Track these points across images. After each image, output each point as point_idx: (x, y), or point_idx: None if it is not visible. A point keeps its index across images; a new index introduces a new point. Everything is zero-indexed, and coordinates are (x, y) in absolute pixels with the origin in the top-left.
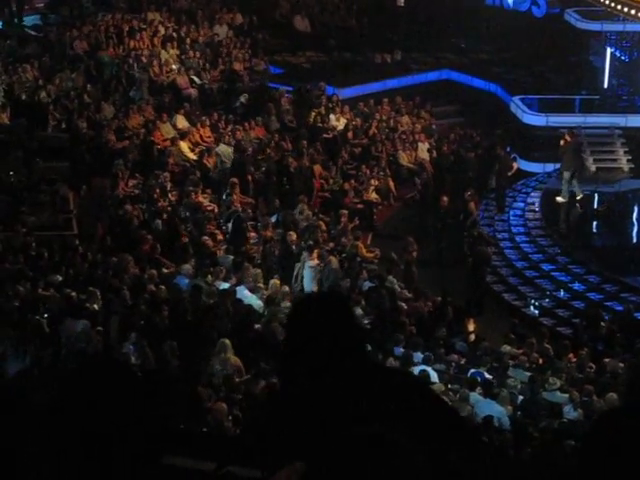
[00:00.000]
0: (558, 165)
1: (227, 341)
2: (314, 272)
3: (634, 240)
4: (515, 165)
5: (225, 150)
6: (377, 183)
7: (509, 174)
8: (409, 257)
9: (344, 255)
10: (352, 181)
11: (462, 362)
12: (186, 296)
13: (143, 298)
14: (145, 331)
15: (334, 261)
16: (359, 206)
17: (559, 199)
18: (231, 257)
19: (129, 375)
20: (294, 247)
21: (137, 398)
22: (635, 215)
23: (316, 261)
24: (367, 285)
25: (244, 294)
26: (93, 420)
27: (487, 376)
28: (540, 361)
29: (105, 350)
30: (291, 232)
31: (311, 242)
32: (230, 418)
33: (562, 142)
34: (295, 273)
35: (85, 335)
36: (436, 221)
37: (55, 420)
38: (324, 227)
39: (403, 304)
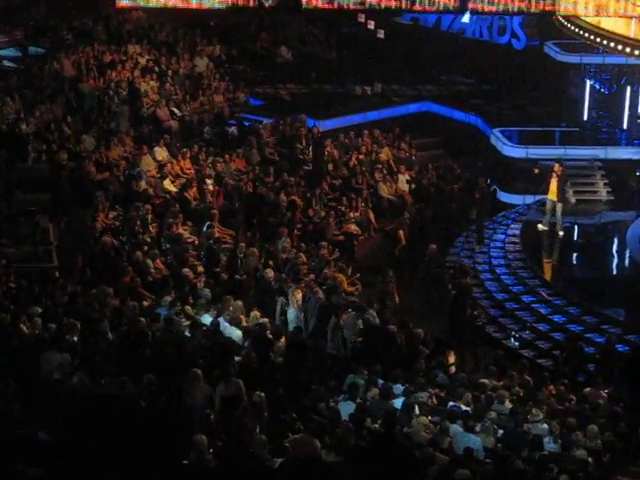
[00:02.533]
0: (539, 197)
1: (198, 371)
2: (299, 305)
3: (614, 272)
4: None
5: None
6: (356, 215)
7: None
8: (387, 288)
9: (325, 287)
10: (332, 212)
11: (442, 394)
12: (163, 328)
13: (121, 330)
14: (126, 364)
15: (320, 293)
16: (340, 238)
17: (540, 227)
18: (207, 290)
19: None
20: (273, 283)
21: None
22: (615, 247)
23: (300, 294)
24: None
25: (224, 326)
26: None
27: (465, 408)
28: (521, 393)
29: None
30: (268, 270)
31: (292, 275)
32: (211, 450)
33: (555, 176)
34: (279, 307)
35: (64, 368)
36: (424, 272)
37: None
38: (305, 259)
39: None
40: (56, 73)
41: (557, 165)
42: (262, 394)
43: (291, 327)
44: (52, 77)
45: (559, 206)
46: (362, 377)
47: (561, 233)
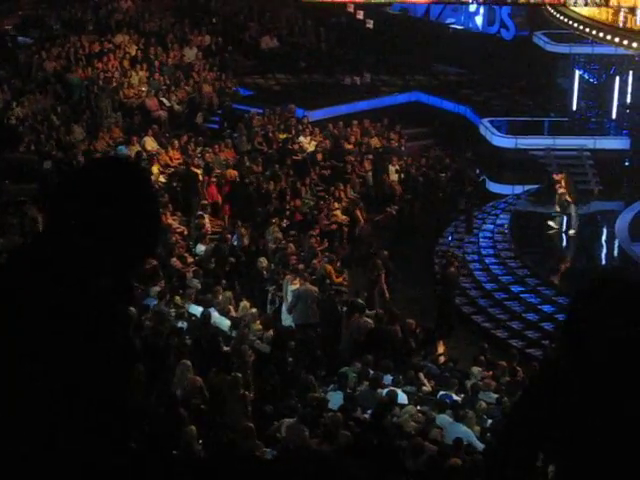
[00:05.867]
0: (527, 187)
1: (188, 362)
2: (294, 295)
3: (603, 261)
4: None
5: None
6: (343, 204)
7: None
8: (376, 278)
9: (314, 277)
10: (322, 202)
11: (431, 384)
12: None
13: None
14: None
15: (309, 286)
16: (333, 227)
17: (571, 232)
18: (196, 280)
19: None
20: (265, 272)
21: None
22: (604, 237)
23: (297, 285)
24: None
25: (214, 316)
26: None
27: (455, 398)
28: (509, 382)
29: None
30: (262, 259)
31: (281, 265)
32: (200, 441)
33: (561, 189)
34: (269, 296)
35: None
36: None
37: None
38: (294, 249)
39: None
40: (44, 63)
41: (557, 176)
42: (238, 374)
43: (285, 317)
44: (40, 67)
45: (573, 207)
46: (354, 370)
47: (572, 232)
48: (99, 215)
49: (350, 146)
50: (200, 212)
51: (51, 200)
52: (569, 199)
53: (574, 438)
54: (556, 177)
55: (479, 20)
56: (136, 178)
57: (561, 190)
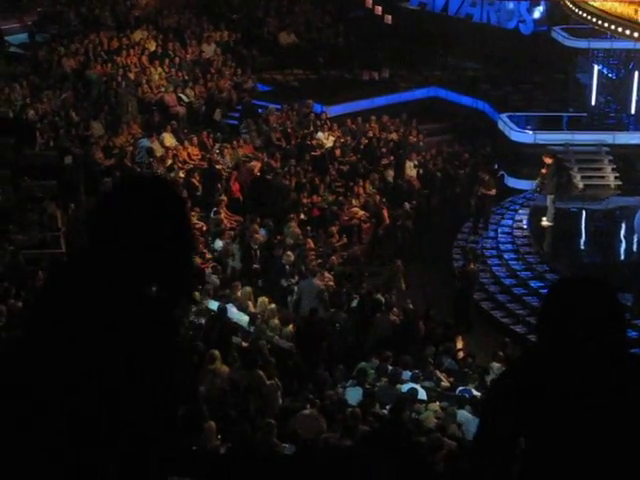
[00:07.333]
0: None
1: (216, 352)
2: (297, 290)
3: (621, 257)
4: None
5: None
6: (362, 200)
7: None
8: (394, 274)
9: (332, 273)
10: (340, 198)
11: (451, 380)
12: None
13: None
14: None
15: (315, 281)
16: (355, 221)
17: (544, 223)
18: (214, 276)
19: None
20: (288, 267)
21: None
22: (623, 232)
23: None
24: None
25: (232, 312)
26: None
27: (475, 393)
28: None
29: None
30: (289, 252)
31: (300, 260)
32: (219, 436)
33: (544, 170)
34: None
35: None
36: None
37: None
38: (312, 245)
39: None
40: (63, 60)
41: (547, 159)
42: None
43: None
44: (59, 64)
45: (550, 197)
46: (373, 366)
47: (544, 222)
48: (138, 229)
49: (367, 141)
50: (217, 208)
51: (93, 218)
52: (539, 186)
53: (541, 430)
54: (545, 159)
55: (497, 15)
56: (163, 190)
57: (543, 171)
